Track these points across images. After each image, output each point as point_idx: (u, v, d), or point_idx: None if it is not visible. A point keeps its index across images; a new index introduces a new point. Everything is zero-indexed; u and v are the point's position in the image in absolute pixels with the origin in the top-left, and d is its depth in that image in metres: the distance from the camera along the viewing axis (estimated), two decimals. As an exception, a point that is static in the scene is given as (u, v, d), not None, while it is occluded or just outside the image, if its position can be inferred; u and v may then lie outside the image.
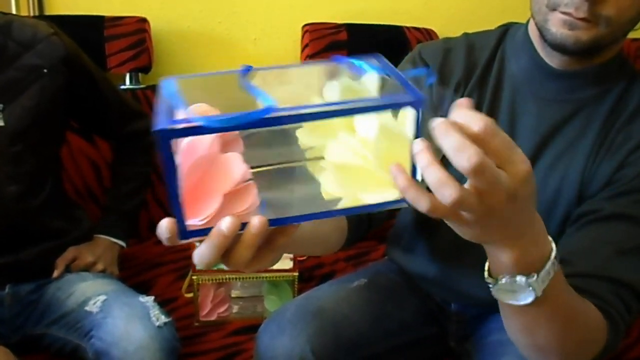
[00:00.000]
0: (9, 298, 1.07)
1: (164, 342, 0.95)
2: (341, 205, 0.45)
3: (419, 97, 0.40)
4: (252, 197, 0.43)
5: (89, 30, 1.46)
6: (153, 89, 1.51)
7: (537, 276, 0.51)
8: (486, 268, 0.55)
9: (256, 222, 0.42)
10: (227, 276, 1.19)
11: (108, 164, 1.39)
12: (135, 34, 1.47)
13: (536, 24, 0.79)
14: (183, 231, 0.42)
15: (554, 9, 0.74)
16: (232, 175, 0.42)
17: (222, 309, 1.21)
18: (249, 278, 1.20)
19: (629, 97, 0.80)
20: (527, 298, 0.52)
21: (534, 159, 0.81)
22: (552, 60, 0.81)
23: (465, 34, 0.92)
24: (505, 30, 0.90)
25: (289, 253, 0.60)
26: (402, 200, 0.43)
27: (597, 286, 0.65)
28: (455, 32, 0.96)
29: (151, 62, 1.51)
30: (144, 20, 1.50)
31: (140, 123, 1.25)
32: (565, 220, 0.79)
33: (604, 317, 0.63)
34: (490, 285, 0.54)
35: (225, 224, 0.42)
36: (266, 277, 1.20)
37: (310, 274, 1.33)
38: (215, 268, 1.18)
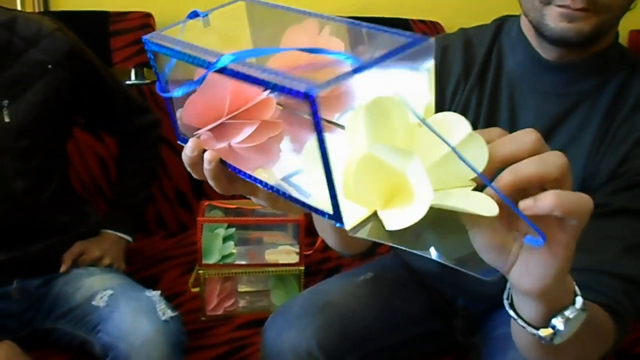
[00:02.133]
0: (17, 293, 1.08)
1: (170, 337, 0.95)
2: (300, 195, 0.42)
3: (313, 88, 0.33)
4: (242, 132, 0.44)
5: (94, 25, 1.46)
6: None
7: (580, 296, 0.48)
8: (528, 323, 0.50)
9: (207, 156, 0.45)
10: (233, 270, 1.19)
11: (115, 159, 1.39)
12: (140, 29, 1.47)
13: (530, 21, 0.77)
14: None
15: (548, 3, 0.72)
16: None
17: (228, 303, 1.22)
18: (256, 272, 1.20)
19: (630, 88, 0.79)
20: (579, 323, 0.49)
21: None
22: (548, 53, 0.80)
23: (462, 29, 0.91)
24: (500, 24, 0.89)
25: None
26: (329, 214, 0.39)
27: (605, 283, 0.64)
28: (461, 24, 0.95)
29: (156, 57, 1.50)
30: (148, 16, 1.50)
31: (146, 118, 1.25)
32: None
33: (612, 318, 0.62)
34: (547, 336, 0.48)
35: (187, 145, 0.46)
36: (273, 272, 1.20)
37: (316, 268, 1.33)
38: (221, 263, 1.19)
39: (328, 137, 0.34)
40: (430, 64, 0.38)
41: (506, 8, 0.94)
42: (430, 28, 1.60)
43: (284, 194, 0.42)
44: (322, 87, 0.33)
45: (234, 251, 1.20)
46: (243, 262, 1.20)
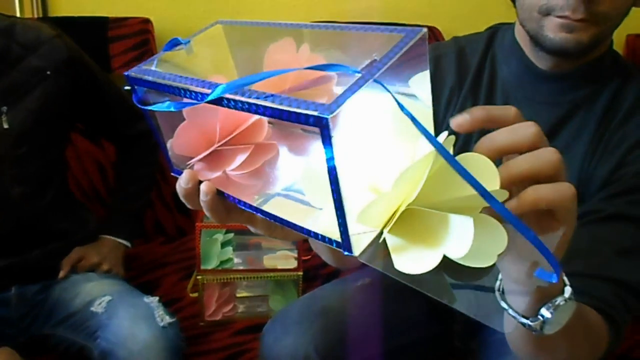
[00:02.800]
0: (16, 299, 1.08)
1: (168, 342, 0.95)
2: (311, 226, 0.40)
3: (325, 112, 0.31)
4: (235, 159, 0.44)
5: (92, 31, 1.46)
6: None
7: (569, 285, 0.49)
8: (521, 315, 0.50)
9: (203, 188, 0.44)
10: (232, 276, 1.19)
11: (113, 165, 1.39)
12: (139, 35, 1.48)
13: (528, 32, 0.77)
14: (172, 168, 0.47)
15: (547, 14, 0.72)
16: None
17: (227, 309, 1.22)
18: (254, 278, 1.20)
19: (623, 96, 0.79)
20: (569, 315, 0.49)
21: None
22: (543, 63, 0.80)
23: (455, 38, 0.91)
24: (494, 32, 0.89)
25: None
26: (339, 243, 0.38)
27: (598, 287, 0.65)
28: (459, 29, 0.95)
29: (155, 62, 1.51)
30: (147, 21, 1.50)
31: (144, 124, 1.25)
32: None
33: (605, 320, 0.62)
34: (534, 322, 0.49)
35: (182, 177, 0.45)
36: (271, 277, 1.20)
37: (314, 273, 1.33)
38: (220, 268, 1.19)
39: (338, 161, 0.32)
40: (426, 60, 0.37)
41: (503, 13, 0.94)
42: (429, 34, 1.60)
43: (284, 222, 0.41)
44: (334, 108, 0.31)
45: (232, 256, 1.21)
46: (241, 268, 1.20)
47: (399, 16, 1.65)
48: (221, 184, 0.45)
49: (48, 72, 1.05)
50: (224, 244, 1.21)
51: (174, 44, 0.47)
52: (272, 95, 0.34)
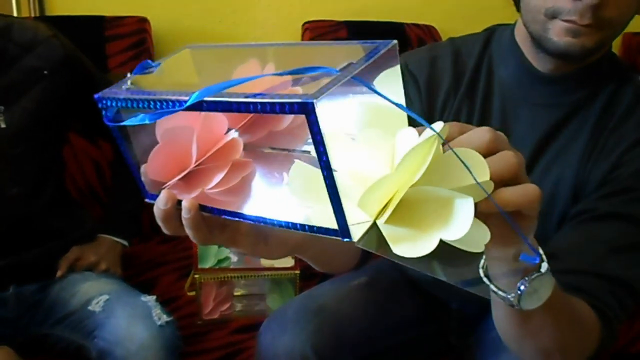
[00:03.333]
0: (13, 298, 1.08)
1: (165, 341, 0.95)
2: (301, 219, 0.40)
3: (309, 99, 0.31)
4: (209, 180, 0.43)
5: (89, 30, 1.46)
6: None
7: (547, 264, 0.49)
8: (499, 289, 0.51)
9: (185, 204, 0.43)
10: (229, 275, 1.19)
11: (110, 164, 1.39)
12: (136, 34, 1.47)
13: (531, 33, 0.77)
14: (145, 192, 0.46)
15: (553, 17, 0.72)
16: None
17: (224, 307, 1.22)
18: (251, 276, 1.20)
19: (620, 97, 0.79)
20: (548, 291, 0.50)
21: (530, 164, 0.81)
22: (543, 65, 0.80)
23: (451, 39, 0.91)
24: (491, 33, 0.88)
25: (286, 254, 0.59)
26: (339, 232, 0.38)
27: (591, 284, 0.65)
28: (456, 28, 0.95)
29: (152, 62, 1.51)
30: (144, 20, 1.50)
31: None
32: (562, 221, 0.79)
33: (596, 315, 0.63)
34: (512, 296, 0.50)
35: (159, 199, 0.44)
36: (268, 275, 1.20)
37: (311, 272, 1.33)
38: (217, 267, 1.19)
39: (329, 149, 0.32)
40: (397, 70, 0.38)
41: (500, 11, 0.94)
42: (425, 32, 1.60)
43: (274, 222, 0.41)
44: (318, 95, 0.31)
45: (229, 255, 1.21)
46: (239, 266, 1.20)
47: (395, 15, 1.65)
48: (201, 202, 0.44)
49: (45, 72, 1.05)
50: (221, 243, 1.21)
51: (144, 67, 0.47)
52: (253, 94, 0.34)
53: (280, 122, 0.44)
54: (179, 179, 0.45)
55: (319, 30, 1.55)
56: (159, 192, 0.45)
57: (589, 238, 0.71)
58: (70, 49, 1.09)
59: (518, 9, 0.80)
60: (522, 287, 0.49)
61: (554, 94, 0.81)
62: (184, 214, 0.44)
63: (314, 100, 0.31)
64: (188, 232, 0.46)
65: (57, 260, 1.12)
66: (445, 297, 1.00)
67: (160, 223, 0.46)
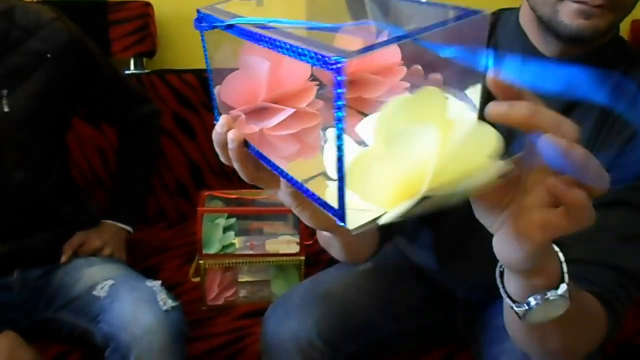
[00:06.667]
0: (18, 284, 1.08)
1: (171, 326, 0.95)
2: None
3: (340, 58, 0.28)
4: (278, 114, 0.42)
5: (92, 14, 1.45)
6: (157, 73, 1.50)
7: (567, 284, 0.49)
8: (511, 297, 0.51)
9: (230, 135, 0.44)
10: (234, 260, 1.19)
11: (115, 150, 1.39)
12: (139, 19, 1.46)
13: (540, 17, 0.75)
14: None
15: None
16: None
17: (229, 293, 1.22)
18: (256, 262, 1.20)
19: (627, 83, 0.78)
20: (559, 312, 0.50)
21: None
22: (548, 49, 0.78)
23: None
24: (496, 18, 0.87)
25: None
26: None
27: (599, 274, 0.65)
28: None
29: (155, 46, 1.50)
30: (148, 5, 1.49)
31: (145, 108, 1.25)
32: None
33: (603, 307, 0.62)
34: (520, 309, 0.50)
35: (219, 122, 0.45)
36: (273, 262, 1.20)
37: (317, 258, 1.33)
38: (222, 253, 1.19)
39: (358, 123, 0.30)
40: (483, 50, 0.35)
41: (508, 1, 0.93)
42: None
43: (297, 184, 0.39)
44: (352, 56, 0.28)
45: (234, 241, 1.21)
46: (243, 252, 1.20)
47: None
48: (256, 141, 0.44)
49: (48, 55, 1.04)
50: (225, 229, 1.21)
51: None
52: (299, 37, 0.33)
53: (372, 89, 0.41)
54: (247, 110, 0.44)
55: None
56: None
57: (595, 227, 0.70)
58: (74, 32, 1.08)
59: None
60: (532, 302, 0.48)
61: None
62: (229, 144, 0.44)
63: (345, 60, 0.28)
64: (234, 164, 0.46)
65: (61, 246, 1.12)
66: (450, 285, 1.00)
67: (215, 147, 0.47)
